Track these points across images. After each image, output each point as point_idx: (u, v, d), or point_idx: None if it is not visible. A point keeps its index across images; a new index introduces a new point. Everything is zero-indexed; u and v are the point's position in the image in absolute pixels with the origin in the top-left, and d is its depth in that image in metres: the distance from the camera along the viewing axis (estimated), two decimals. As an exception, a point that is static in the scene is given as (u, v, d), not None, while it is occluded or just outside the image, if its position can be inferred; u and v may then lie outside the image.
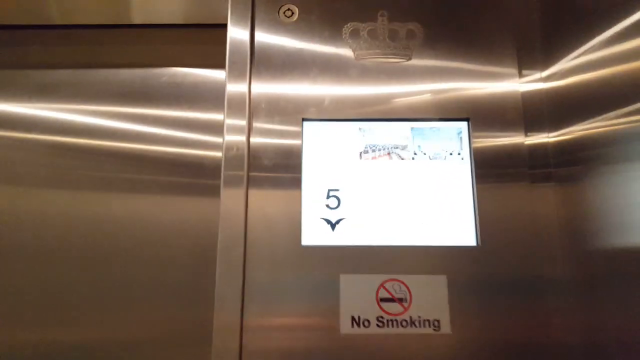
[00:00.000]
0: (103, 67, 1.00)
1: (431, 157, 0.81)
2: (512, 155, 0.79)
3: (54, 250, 0.90)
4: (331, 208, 0.79)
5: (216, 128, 0.95)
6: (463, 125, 0.82)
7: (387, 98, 0.83)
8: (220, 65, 0.86)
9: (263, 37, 0.85)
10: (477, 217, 0.77)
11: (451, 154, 0.81)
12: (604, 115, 0.67)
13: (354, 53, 0.85)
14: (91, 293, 0.88)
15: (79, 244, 0.90)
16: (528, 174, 0.79)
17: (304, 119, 0.82)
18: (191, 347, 0.85)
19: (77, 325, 0.87)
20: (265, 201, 0.78)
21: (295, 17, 0.86)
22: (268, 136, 0.81)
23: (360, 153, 0.82)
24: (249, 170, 0.79)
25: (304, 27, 0.85)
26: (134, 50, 1.01)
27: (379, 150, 0.82)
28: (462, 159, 0.81)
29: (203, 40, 1.00)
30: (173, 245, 0.89)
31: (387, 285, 0.75)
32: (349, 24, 0.86)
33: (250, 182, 0.79)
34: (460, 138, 0.82)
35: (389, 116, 0.82)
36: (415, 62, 0.84)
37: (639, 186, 0.61)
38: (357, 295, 0.74)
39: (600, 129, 0.69)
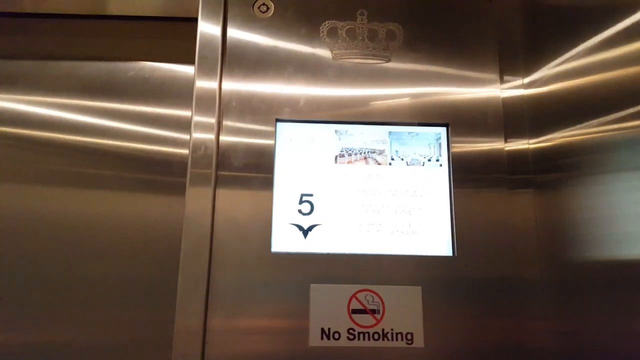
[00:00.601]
0: (68, 59, 0.95)
1: (409, 163, 0.78)
2: (491, 161, 0.78)
3: (10, 248, 0.86)
4: (304, 214, 0.76)
5: (185, 125, 0.90)
6: (442, 130, 0.79)
7: (365, 100, 0.80)
8: (190, 61, 0.82)
9: (236, 32, 0.81)
10: (454, 226, 0.75)
11: (429, 160, 0.79)
12: (585, 123, 0.66)
13: (332, 52, 0.81)
14: (48, 292, 0.84)
15: (35, 241, 0.86)
16: (507, 180, 0.77)
17: (277, 120, 0.78)
18: (153, 351, 0.80)
19: (34, 325, 0.83)
20: (233, 203, 0.75)
21: (271, 12, 0.82)
22: (239, 135, 0.77)
23: (336, 157, 0.78)
24: (217, 169, 0.76)
25: (280, 23, 0.82)
26: (100, 43, 0.97)
27: (355, 154, 0.79)
28: (441, 165, 0.78)
29: (173, 35, 0.96)
30: (136, 244, 0.85)
31: (359, 296, 0.72)
32: (326, 22, 0.82)
33: (219, 182, 0.75)
34: (439, 144, 0.79)
35: (366, 119, 0.79)
36: (394, 64, 0.81)
37: (619, 196, 0.60)
38: (327, 306, 0.71)
39: (581, 137, 0.68)
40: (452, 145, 0.78)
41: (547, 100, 0.77)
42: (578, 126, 0.68)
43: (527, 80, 0.82)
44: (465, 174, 0.77)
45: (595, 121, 0.64)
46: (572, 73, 0.70)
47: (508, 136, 0.79)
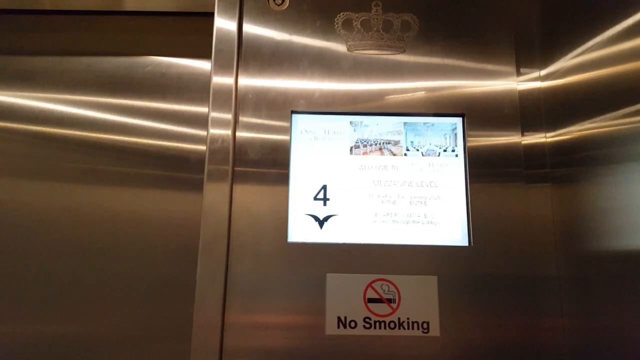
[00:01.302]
0: (86, 55, 0.97)
1: (424, 154, 0.78)
2: (508, 155, 0.77)
3: (31, 243, 0.87)
4: (319, 204, 0.76)
5: (202, 120, 0.91)
6: (457, 120, 0.79)
7: (380, 91, 0.80)
8: (207, 55, 0.83)
9: (251, 26, 0.82)
10: (470, 216, 0.75)
11: (445, 150, 0.78)
12: (603, 116, 0.65)
13: (347, 44, 0.82)
14: (69, 287, 0.85)
15: (56, 237, 0.87)
16: (524, 175, 0.76)
17: (293, 112, 0.79)
18: (171, 344, 0.82)
19: (55, 319, 0.85)
20: (250, 196, 0.76)
21: (286, 5, 0.83)
22: (255, 129, 0.78)
23: (351, 148, 0.79)
24: (234, 164, 0.76)
25: (295, 16, 0.82)
26: (118, 38, 0.99)
27: (371, 145, 0.79)
28: (456, 155, 0.78)
29: (190, 30, 0.97)
30: (155, 241, 0.87)
31: (375, 285, 0.72)
32: (341, 14, 0.82)
33: (235, 177, 0.76)
34: (455, 134, 0.79)
35: (381, 110, 0.79)
36: (409, 55, 0.81)
37: (638, 188, 0.59)
38: (344, 295, 0.72)
39: (599, 130, 0.67)
40: (468, 137, 0.78)
41: (564, 93, 0.76)
42: (596, 119, 0.67)
43: (543, 72, 0.81)
44: (482, 168, 0.77)
45: (613, 114, 0.64)
46: (590, 65, 0.69)
47: (525, 130, 0.78)
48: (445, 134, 0.79)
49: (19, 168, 0.91)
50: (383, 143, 0.79)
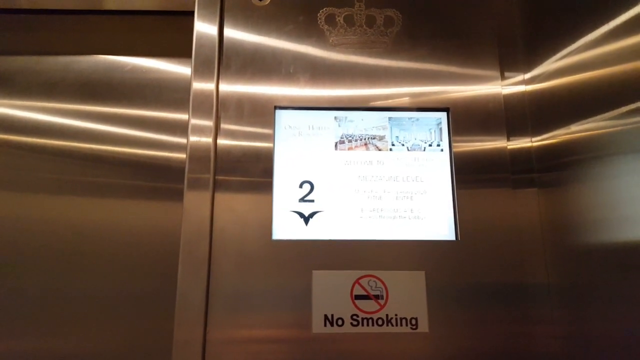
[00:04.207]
0: (64, 54, 0.94)
1: (409, 148, 0.78)
2: (494, 161, 0.76)
3: (5, 256, 0.83)
4: (304, 201, 0.75)
5: (182, 126, 0.89)
6: (442, 115, 0.79)
7: (364, 86, 0.79)
8: (187, 54, 0.81)
9: (233, 22, 0.81)
10: (457, 209, 0.74)
11: (430, 145, 0.78)
12: (588, 119, 0.65)
13: (330, 39, 0.81)
14: (45, 301, 0.82)
15: (31, 250, 0.83)
16: (511, 180, 0.76)
17: (276, 107, 0.78)
18: (151, 356, 0.79)
19: (32, 334, 0.80)
20: (233, 192, 0.74)
21: (268, 0, 0.82)
22: (237, 134, 0.77)
23: (336, 143, 0.78)
24: (215, 172, 0.75)
25: (277, 11, 0.81)
26: (96, 38, 0.96)
27: (355, 140, 0.78)
28: (442, 150, 0.78)
29: (170, 28, 0.96)
30: (135, 252, 0.83)
31: (362, 281, 0.71)
32: (324, 9, 0.82)
33: (217, 185, 0.74)
34: (440, 129, 0.79)
35: (365, 105, 0.79)
36: (393, 50, 0.81)
37: (624, 193, 0.59)
38: (330, 293, 0.70)
39: (584, 133, 0.67)
40: (453, 136, 0.77)
41: (548, 96, 0.76)
42: (581, 122, 0.67)
43: (528, 76, 0.81)
44: (469, 173, 0.76)
45: (598, 116, 0.63)
46: (573, 68, 0.69)
47: (510, 134, 0.78)
48: (430, 129, 0.79)
49: None
50: (368, 138, 0.78)
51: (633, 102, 0.57)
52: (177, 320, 0.69)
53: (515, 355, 0.69)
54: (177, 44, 0.94)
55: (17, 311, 0.81)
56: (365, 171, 0.77)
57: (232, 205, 0.73)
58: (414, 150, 0.78)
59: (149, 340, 0.80)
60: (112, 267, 0.83)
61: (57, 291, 0.82)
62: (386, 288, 0.71)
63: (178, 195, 0.76)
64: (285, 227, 0.74)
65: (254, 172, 0.75)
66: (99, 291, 0.82)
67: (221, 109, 0.77)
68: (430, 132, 0.78)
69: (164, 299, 0.77)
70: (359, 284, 0.71)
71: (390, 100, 0.79)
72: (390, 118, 0.79)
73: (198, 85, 0.78)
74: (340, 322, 0.69)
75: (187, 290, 0.70)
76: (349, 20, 0.82)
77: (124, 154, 0.89)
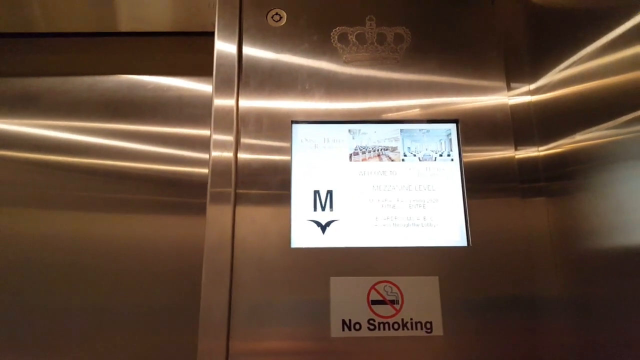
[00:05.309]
0: (89, 75, 0.99)
1: (421, 159, 0.81)
2: (502, 170, 0.79)
3: (31, 272, 0.86)
4: (321, 210, 0.78)
5: (203, 142, 0.92)
6: (452, 126, 0.82)
7: (376, 101, 0.83)
8: (207, 73, 0.85)
9: (251, 42, 0.85)
10: (468, 216, 0.77)
11: (441, 155, 0.81)
12: (592, 128, 0.67)
13: (343, 57, 0.85)
14: (71, 316, 0.84)
15: (57, 266, 0.86)
16: (519, 189, 0.78)
17: (293, 122, 0.82)
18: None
19: (56, 350, 0.83)
20: (254, 204, 0.77)
21: (284, 21, 0.86)
22: (257, 138, 0.81)
23: (350, 155, 0.81)
24: (236, 186, 0.78)
25: (292, 31, 0.86)
26: (119, 58, 1.00)
27: (369, 152, 0.81)
28: (452, 159, 0.81)
29: (190, 49, 1.00)
30: (158, 267, 0.85)
31: (378, 287, 0.74)
32: (337, 28, 0.86)
33: (238, 184, 0.78)
34: (450, 139, 0.82)
35: (378, 118, 0.82)
36: (403, 66, 0.85)
37: (632, 201, 0.60)
38: (347, 298, 0.73)
39: (588, 142, 0.68)
40: (463, 146, 0.80)
41: (553, 106, 0.77)
42: (584, 131, 0.68)
43: (533, 86, 0.83)
44: (478, 183, 0.78)
45: (603, 125, 0.65)
46: (577, 78, 0.71)
47: (518, 144, 0.80)
48: (440, 140, 0.82)
49: (17, 196, 0.90)
50: (381, 149, 0.81)
51: (635, 110, 0.59)
52: (201, 331, 0.71)
53: (528, 355, 0.71)
54: (197, 63, 0.98)
55: (45, 326, 0.83)
56: (379, 181, 0.80)
57: (253, 216, 0.77)
58: (426, 160, 0.81)
59: (172, 352, 0.82)
60: (137, 281, 0.85)
61: (84, 306, 0.84)
62: (401, 293, 0.73)
63: (200, 209, 0.78)
64: (303, 235, 0.77)
65: (273, 184, 0.78)
66: (123, 305, 0.84)
67: (241, 124, 0.81)
68: (441, 143, 0.82)
69: (185, 312, 0.80)
70: (375, 289, 0.73)
71: (401, 113, 0.82)
72: (401, 130, 0.82)
73: (219, 102, 0.82)
74: (357, 326, 0.72)
75: (211, 301, 0.72)
76: (361, 39, 0.86)
77: (146, 170, 0.92)
